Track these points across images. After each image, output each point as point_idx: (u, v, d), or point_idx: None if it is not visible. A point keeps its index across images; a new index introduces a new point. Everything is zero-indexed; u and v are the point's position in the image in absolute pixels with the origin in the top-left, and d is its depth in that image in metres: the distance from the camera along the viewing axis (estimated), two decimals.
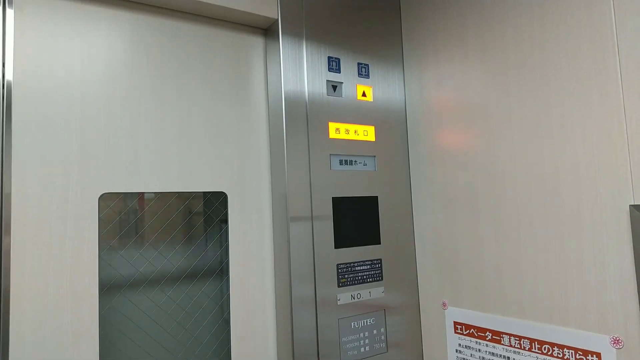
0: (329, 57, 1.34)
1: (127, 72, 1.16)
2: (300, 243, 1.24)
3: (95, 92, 1.11)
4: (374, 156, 1.40)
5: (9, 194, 0.99)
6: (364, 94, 1.40)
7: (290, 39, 1.29)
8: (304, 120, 1.28)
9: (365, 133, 1.38)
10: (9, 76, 1.01)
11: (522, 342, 1.16)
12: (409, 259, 1.44)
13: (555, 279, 1.08)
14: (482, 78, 1.25)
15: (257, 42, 1.36)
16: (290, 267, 1.22)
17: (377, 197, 1.39)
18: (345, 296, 1.29)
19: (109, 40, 1.14)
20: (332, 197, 1.30)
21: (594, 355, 1.01)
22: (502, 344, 1.21)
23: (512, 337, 1.19)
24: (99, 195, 1.09)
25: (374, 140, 1.40)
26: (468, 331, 1.30)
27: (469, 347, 1.29)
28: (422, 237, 1.44)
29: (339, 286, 1.29)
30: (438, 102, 1.38)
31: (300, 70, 1.29)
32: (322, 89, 1.32)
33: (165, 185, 1.18)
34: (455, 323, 1.33)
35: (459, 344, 1.32)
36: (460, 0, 1.31)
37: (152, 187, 1.16)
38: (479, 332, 1.27)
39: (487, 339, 1.25)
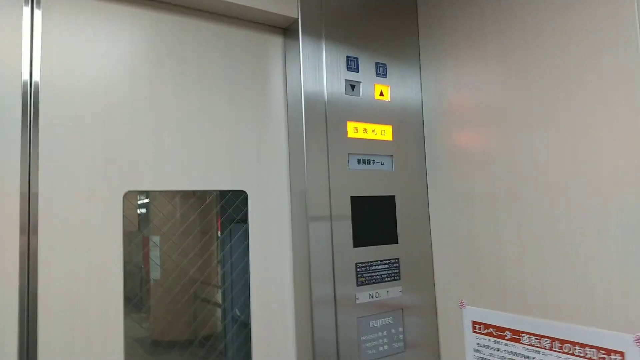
0: (347, 57, 1.34)
1: (151, 71, 1.16)
2: (320, 242, 1.24)
3: (120, 91, 1.12)
4: (392, 156, 1.40)
5: (36, 194, 1.00)
6: (381, 94, 1.40)
7: (309, 38, 1.29)
8: (322, 119, 1.29)
9: (383, 132, 1.39)
10: (36, 76, 1.02)
11: (542, 341, 1.16)
12: (426, 259, 1.44)
13: (579, 279, 1.09)
14: (502, 79, 1.26)
15: (276, 42, 1.36)
16: (310, 266, 1.22)
17: (394, 196, 1.39)
18: (363, 295, 1.30)
19: (133, 39, 1.15)
20: (351, 197, 1.31)
21: (617, 354, 1.01)
22: (522, 343, 1.21)
23: (532, 336, 1.19)
24: (123, 193, 1.10)
25: (391, 139, 1.40)
26: (487, 330, 1.30)
27: (488, 346, 1.29)
28: (439, 236, 1.44)
29: (357, 285, 1.29)
30: (455, 102, 1.39)
31: (319, 69, 1.30)
32: (340, 88, 1.32)
33: (187, 183, 1.19)
34: (474, 322, 1.33)
35: (477, 343, 1.32)
36: (479, 1, 1.32)
37: (175, 185, 1.17)
38: (497, 332, 1.27)
39: (507, 338, 1.25)
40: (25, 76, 1.01)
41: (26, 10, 1.03)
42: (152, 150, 1.14)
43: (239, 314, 1.28)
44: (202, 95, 1.23)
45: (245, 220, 1.27)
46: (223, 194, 1.27)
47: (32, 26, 1.03)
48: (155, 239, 1.18)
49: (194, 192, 1.22)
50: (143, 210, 1.16)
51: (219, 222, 1.28)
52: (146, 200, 1.17)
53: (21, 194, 0.99)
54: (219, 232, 1.28)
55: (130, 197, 1.12)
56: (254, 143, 1.30)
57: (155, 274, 1.18)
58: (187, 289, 1.22)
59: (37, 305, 0.98)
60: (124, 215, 1.09)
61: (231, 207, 1.28)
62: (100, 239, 1.06)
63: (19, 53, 1.01)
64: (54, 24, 1.05)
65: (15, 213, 0.98)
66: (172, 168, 1.17)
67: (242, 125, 1.28)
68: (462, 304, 1.36)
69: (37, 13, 1.04)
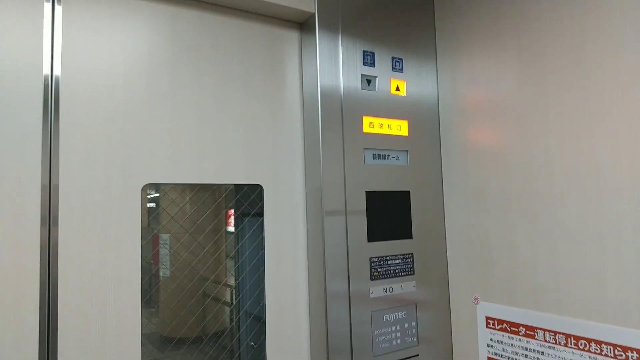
0: (363, 51, 1.34)
1: (168, 65, 1.17)
2: (335, 236, 1.25)
3: (138, 86, 1.13)
4: (407, 151, 1.40)
5: (57, 186, 1.01)
6: (397, 88, 1.39)
7: (326, 32, 1.29)
8: (338, 114, 1.29)
9: (399, 127, 1.39)
10: (57, 71, 1.03)
11: (557, 337, 1.17)
12: (440, 254, 1.44)
13: (594, 276, 1.08)
14: (518, 75, 1.25)
15: (292, 36, 1.36)
16: (324, 260, 1.23)
17: (409, 191, 1.39)
18: (377, 290, 1.30)
19: (151, 33, 1.15)
20: (366, 191, 1.31)
21: (634, 352, 1.01)
22: (536, 339, 1.21)
23: (546, 332, 1.19)
24: (141, 186, 1.11)
25: (406, 134, 1.40)
26: (500, 326, 1.30)
27: (501, 342, 1.29)
28: (454, 232, 1.44)
29: (371, 279, 1.30)
30: (471, 98, 1.38)
31: (335, 64, 1.30)
32: (356, 83, 1.32)
33: (203, 176, 1.19)
34: (487, 318, 1.33)
35: (491, 339, 1.32)
36: None
37: (192, 179, 1.18)
38: (512, 327, 1.27)
39: (521, 334, 1.25)
40: (47, 71, 1.03)
41: (47, 5, 1.04)
42: (169, 144, 1.15)
43: (252, 309, 1.29)
44: (218, 90, 1.23)
45: (260, 214, 1.28)
46: (239, 187, 1.28)
47: (52, 21, 1.04)
48: (170, 232, 1.20)
49: (211, 185, 1.23)
50: (160, 203, 1.17)
51: (234, 215, 1.29)
52: (164, 193, 1.18)
53: (42, 186, 1.00)
54: (231, 226, 1.29)
55: (147, 189, 1.13)
56: (270, 137, 1.31)
57: (169, 267, 1.20)
58: (200, 285, 1.24)
59: (57, 295, 0.99)
60: (142, 208, 1.11)
61: (247, 201, 1.29)
62: (118, 231, 1.07)
63: (40, 48, 1.03)
64: (74, 19, 1.06)
65: (36, 205, 0.99)
66: (189, 161, 1.18)
67: (258, 119, 1.29)
68: (476, 299, 1.36)
69: (58, 8, 1.05)
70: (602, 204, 1.07)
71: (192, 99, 1.19)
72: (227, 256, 1.28)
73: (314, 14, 1.28)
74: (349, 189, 1.28)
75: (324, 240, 1.24)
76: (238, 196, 1.28)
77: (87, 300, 1.03)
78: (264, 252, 1.27)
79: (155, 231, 1.16)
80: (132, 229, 1.09)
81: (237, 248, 1.29)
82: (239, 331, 1.28)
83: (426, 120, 1.45)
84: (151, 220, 1.16)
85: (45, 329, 0.99)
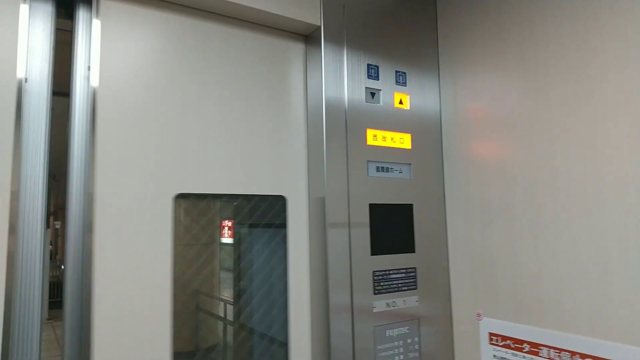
0: (368, 65, 1.35)
1: (197, 78, 1.19)
2: (338, 249, 1.24)
3: (170, 98, 1.15)
4: (410, 164, 1.39)
5: (92, 194, 1.03)
6: (400, 102, 1.40)
7: (331, 45, 1.30)
8: (342, 126, 1.28)
9: (402, 140, 1.38)
10: (94, 82, 1.06)
11: (562, 355, 1.15)
12: (442, 268, 1.43)
13: (599, 292, 1.08)
14: (521, 90, 1.25)
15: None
16: (327, 273, 1.22)
17: (412, 204, 1.38)
18: (380, 304, 1.29)
19: (179, 47, 1.18)
20: (369, 204, 1.30)
21: None
22: (541, 356, 1.20)
23: (551, 350, 1.17)
24: (173, 196, 1.12)
25: (409, 147, 1.40)
26: (504, 342, 1.28)
27: (505, 358, 1.28)
28: (456, 246, 1.43)
29: (374, 293, 1.28)
30: (474, 111, 1.39)
31: (340, 76, 1.30)
32: (360, 95, 1.32)
33: (231, 187, 1.21)
34: (491, 334, 1.32)
35: (494, 355, 1.31)
36: (499, 12, 1.32)
37: (221, 189, 1.19)
38: (515, 344, 1.26)
39: (525, 350, 1.23)
40: (94, 83, 1.06)
41: (96, 22, 1.07)
42: (199, 155, 1.17)
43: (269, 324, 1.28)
44: (242, 102, 1.26)
45: (283, 225, 1.29)
46: (263, 198, 1.28)
47: (90, 35, 1.09)
48: (202, 240, 1.22)
49: (238, 195, 1.24)
50: (190, 212, 1.21)
51: (260, 226, 1.30)
52: (193, 203, 1.20)
53: (86, 194, 1.05)
54: (263, 235, 1.30)
55: (178, 199, 1.14)
56: (293, 149, 1.33)
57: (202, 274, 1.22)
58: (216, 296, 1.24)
59: (92, 301, 1.00)
60: (173, 217, 1.11)
61: (271, 212, 1.30)
62: (151, 239, 1.08)
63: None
64: (110, 33, 1.09)
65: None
66: (217, 172, 1.20)
67: (279, 130, 1.31)
68: (479, 315, 1.35)
69: (95, 22, 1.07)
70: (608, 218, 1.06)
71: (219, 109, 1.22)
72: (252, 266, 1.28)
73: (320, 26, 1.29)
74: (352, 201, 1.27)
75: (326, 253, 1.22)
76: (263, 206, 1.29)
77: (120, 306, 1.03)
78: (286, 265, 1.27)
79: (185, 240, 1.19)
80: (163, 237, 1.10)
81: (261, 259, 1.29)
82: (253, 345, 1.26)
83: (429, 134, 1.45)
84: (180, 229, 1.18)
85: (80, 334, 1.01)
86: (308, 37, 1.37)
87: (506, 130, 1.29)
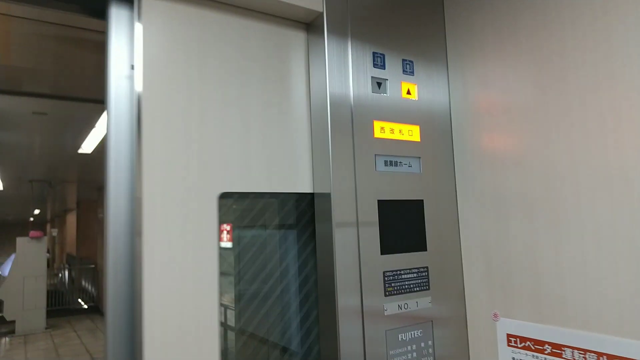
0: (373, 53, 1.28)
1: (236, 76, 1.18)
2: (346, 249, 1.16)
3: (211, 99, 1.13)
4: (419, 157, 1.32)
5: (140, 198, 1.02)
6: (408, 92, 1.33)
7: (335, 33, 1.23)
8: (348, 118, 1.21)
9: (410, 133, 1.31)
10: (138, 87, 1.06)
11: (587, 356, 1.08)
12: (455, 267, 1.36)
13: (628, 288, 1.00)
14: (536, 78, 1.18)
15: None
16: (335, 274, 1.14)
17: (422, 200, 1.31)
18: (392, 306, 1.21)
19: (219, 44, 1.16)
20: (378, 200, 1.23)
21: None
22: (564, 358, 1.12)
23: (575, 351, 1.10)
24: (218, 195, 1.10)
25: (418, 140, 1.33)
26: (523, 344, 1.21)
27: None
28: (469, 243, 1.36)
29: (385, 295, 1.21)
30: (485, 101, 1.32)
31: (345, 66, 1.23)
32: (366, 85, 1.25)
33: (272, 185, 1.20)
34: (509, 335, 1.25)
35: (513, 358, 1.23)
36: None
37: (262, 187, 1.18)
38: (536, 345, 1.18)
39: (546, 352, 1.16)
40: (138, 88, 1.06)
41: (138, 25, 1.07)
42: (240, 153, 1.16)
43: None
44: (278, 99, 1.25)
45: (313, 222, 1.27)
46: (301, 197, 1.27)
47: (133, 38, 1.11)
48: (247, 240, 1.25)
49: (279, 194, 1.23)
50: (234, 211, 1.22)
51: (303, 223, 1.29)
52: (236, 202, 1.21)
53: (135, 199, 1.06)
54: (303, 233, 1.30)
55: (223, 198, 1.13)
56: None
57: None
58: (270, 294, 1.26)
59: (142, 305, 0.99)
60: (219, 216, 1.10)
61: (312, 210, 1.28)
62: (197, 239, 1.07)
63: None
64: (152, 36, 1.08)
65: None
66: (258, 170, 1.18)
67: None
68: (495, 315, 1.28)
69: (138, 26, 1.06)
70: (633, 209, 0.99)
71: (259, 107, 1.20)
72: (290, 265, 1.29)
73: (322, 13, 1.22)
74: (360, 198, 1.20)
75: (334, 253, 1.15)
76: (303, 204, 1.28)
77: (169, 309, 1.02)
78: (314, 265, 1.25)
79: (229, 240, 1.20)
80: (210, 236, 1.08)
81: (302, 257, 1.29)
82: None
83: (438, 126, 1.38)
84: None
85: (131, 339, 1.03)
86: (310, 25, 1.30)
87: (521, 121, 1.22)
